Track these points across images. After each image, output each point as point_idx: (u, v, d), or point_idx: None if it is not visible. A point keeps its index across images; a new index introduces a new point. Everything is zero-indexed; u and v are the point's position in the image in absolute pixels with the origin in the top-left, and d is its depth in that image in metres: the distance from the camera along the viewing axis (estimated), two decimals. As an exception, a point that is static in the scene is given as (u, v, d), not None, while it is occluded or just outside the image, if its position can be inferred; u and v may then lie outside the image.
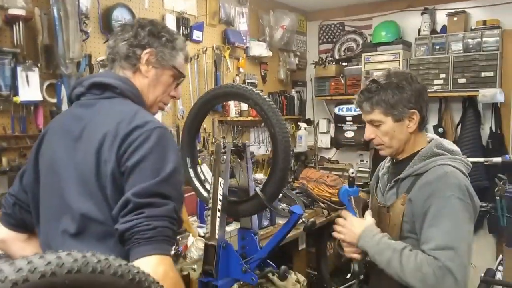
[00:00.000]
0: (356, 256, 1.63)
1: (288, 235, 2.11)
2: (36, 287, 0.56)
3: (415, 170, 1.53)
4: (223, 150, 2.01)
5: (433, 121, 4.17)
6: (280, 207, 3.02)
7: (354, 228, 1.57)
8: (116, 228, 1.04)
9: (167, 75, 1.31)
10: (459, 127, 4.03)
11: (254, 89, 1.87)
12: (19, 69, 2.21)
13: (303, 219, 2.07)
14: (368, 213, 1.64)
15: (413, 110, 1.52)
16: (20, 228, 1.34)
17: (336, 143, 4.71)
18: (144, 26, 1.28)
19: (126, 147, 1.09)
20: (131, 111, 1.17)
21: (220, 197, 1.92)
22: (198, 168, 2.17)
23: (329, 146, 4.82)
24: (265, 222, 3.09)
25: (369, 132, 1.60)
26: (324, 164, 4.76)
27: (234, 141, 2.06)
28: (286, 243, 3.15)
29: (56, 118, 1.34)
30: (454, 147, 1.59)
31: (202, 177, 2.12)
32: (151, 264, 0.99)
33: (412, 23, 4.24)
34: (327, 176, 4.53)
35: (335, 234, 1.65)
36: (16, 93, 2.22)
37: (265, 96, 1.86)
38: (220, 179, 1.95)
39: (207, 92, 2.00)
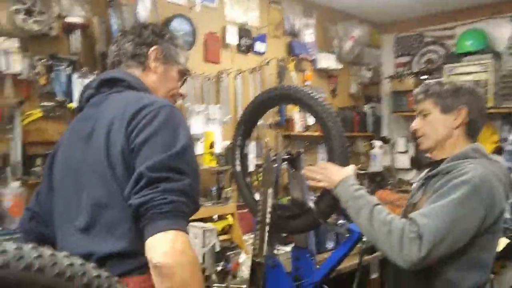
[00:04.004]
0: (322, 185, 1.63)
1: (359, 261, 1.87)
2: None
3: (445, 168, 1.51)
4: (273, 158, 1.83)
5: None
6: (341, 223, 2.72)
7: (333, 175, 1.57)
8: (130, 203, 1.01)
9: (174, 71, 1.33)
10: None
11: (313, 92, 1.69)
12: (75, 76, 2.24)
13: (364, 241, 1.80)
14: (351, 166, 1.62)
15: (462, 107, 1.55)
16: (39, 243, 1.27)
17: (417, 163, 4.28)
18: (146, 26, 1.32)
19: (135, 124, 1.06)
20: (138, 95, 1.17)
21: (269, 209, 1.73)
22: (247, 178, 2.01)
23: (408, 167, 4.40)
24: (330, 245, 2.80)
25: (416, 123, 1.63)
26: (402, 187, 4.34)
27: (289, 149, 1.87)
28: (355, 271, 2.81)
29: (69, 126, 1.34)
30: (495, 156, 1.59)
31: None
32: (169, 240, 0.97)
33: (502, 31, 3.81)
34: (405, 199, 4.13)
35: (311, 182, 1.66)
36: (71, 100, 2.24)
37: (325, 103, 1.68)
38: (270, 190, 1.76)
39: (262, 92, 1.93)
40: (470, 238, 1.38)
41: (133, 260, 1.05)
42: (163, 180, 1.00)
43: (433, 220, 1.34)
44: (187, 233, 1.01)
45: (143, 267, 1.01)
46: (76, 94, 2.21)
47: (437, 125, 1.57)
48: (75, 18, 2.21)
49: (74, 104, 2.22)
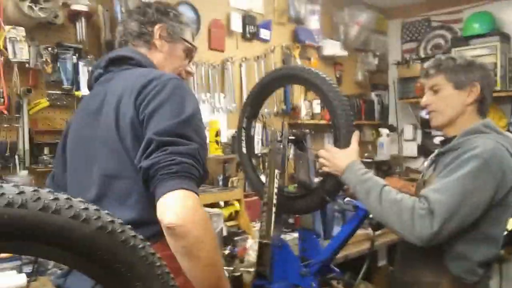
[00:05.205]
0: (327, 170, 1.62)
1: (366, 250, 1.84)
2: None
3: (456, 144, 1.50)
4: (279, 139, 1.84)
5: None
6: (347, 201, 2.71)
7: (338, 161, 1.56)
8: (139, 166, 1.03)
9: (180, 49, 1.34)
10: None
11: (319, 72, 1.70)
12: (80, 64, 2.25)
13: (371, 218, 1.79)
14: (354, 137, 1.59)
15: (476, 83, 1.53)
16: None
17: (424, 151, 4.25)
18: (150, 5, 1.33)
19: (144, 96, 1.09)
20: (146, 70, 1.20)
21: (275, 190, 1.73)
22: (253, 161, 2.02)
23: (415, 155, 4.37)
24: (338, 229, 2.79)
25: (427, 98, 1.60)
26: (410, 175, 4.32)
27: (294, 130, 1.87)
28: (361, 257, 2.80)
29: (79, 106, 1.37)
30: (507, 132, 1.60)
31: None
32: (179, 199, 0.97)
33: (510, 13, 3.75)
34: (412, 186, 4.11)
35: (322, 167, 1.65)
36: (78, 88, 2.25)
37: (332, 81, 1.69)
38: (276, 171, 1.76)
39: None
40: (480, 212, 1.38)
41: (145, 229, 1.03)
42: (171, 144, 1.02)
43: (443, 195, 1.34)
44: (197, 194, 1.01)
45: (156, 236, 1.02)
46: (82, 82, 2.23)
47: (450, 101, 1.55)
48: (80, 6, 2.22)
49: (81, 92, 2.24)
